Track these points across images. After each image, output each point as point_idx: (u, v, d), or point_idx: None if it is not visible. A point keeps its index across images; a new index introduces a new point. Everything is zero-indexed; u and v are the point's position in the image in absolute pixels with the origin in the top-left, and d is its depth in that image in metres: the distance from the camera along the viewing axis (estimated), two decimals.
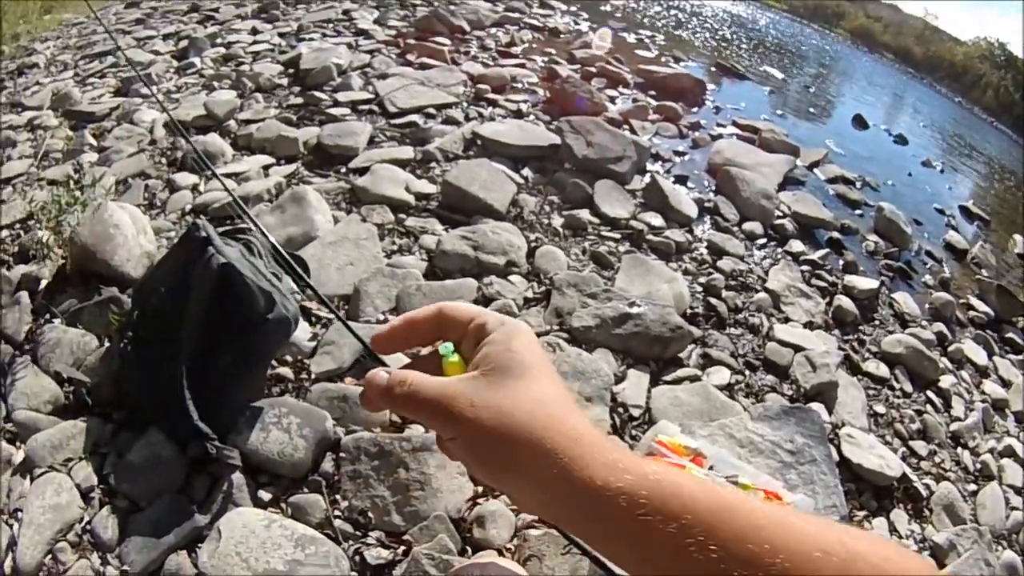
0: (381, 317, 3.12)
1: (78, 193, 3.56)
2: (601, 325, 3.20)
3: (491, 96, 5.86)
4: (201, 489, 2.36)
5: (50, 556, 2.13)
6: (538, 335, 3.12)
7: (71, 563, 2.13)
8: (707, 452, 2.46)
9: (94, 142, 4.88)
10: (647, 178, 4.80)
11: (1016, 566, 3.02)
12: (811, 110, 9.80)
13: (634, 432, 2.85)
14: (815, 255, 4.60)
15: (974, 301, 5.12)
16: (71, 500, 2.27)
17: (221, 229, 2.71)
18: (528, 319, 3.23)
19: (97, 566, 2.14)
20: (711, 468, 2.40)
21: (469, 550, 2.27)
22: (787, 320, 3.87)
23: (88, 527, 2.22)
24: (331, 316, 3.08)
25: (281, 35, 7.47)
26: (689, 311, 3.64)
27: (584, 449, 0.58)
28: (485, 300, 3.30)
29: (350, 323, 3.02)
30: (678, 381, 3.16)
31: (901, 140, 9.67)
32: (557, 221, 4.11)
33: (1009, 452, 3.66)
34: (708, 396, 3.04)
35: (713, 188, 5.21)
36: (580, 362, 2.95)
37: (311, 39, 7.18)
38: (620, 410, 2.91)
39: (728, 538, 0.51)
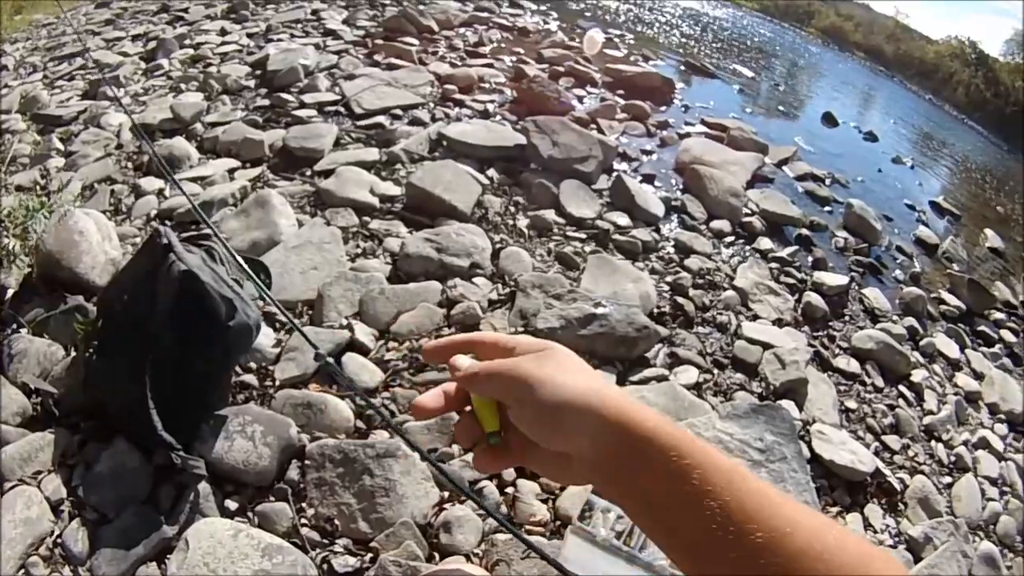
0: (344, 322, 3.09)
1: (44, 199, 3.51)
2: (566, 326, 3.18)
3: (458, 96, 5.83)
4: (167, 498, 2.34)
5: (23, 571, 2.10)
6: None
7: None
8: None
9: (61, 147, 4.82)
10: (613, 177, 4.77)
11: (994, 557, 3.03)
12: (781, 108, 9.82)
13: None
14: (784, 252, 4.60)
15: (945, 295, 5.14)
16: (41, 513, 2.23)
17: (184, 235, 2.68)
18: (493, 322, 3.22)
19: None
20: None
21: (436, 556, 2.26)
22: (756, 317, 3.87)
23: (59, 540, 2.20)
24: (294, 323, 3.06)
25: (250, 35, 7.41)
26: (656, 310, 3.63)
27: (638, 407, 0.68)
28: (449, 303, 3.28)
29: (312, 328, 3.00)
30: (645, 381, 3.14)
31: (871, 137, 9.68)
32: (522, 222, 4.09)
33: (983, 444, 3.69)
34: (675, 396, 3.03)
35: (681, 187, 5.21)
36: None
37: (279, 40, 7.14)
38: None
39: (731, 496, 0.59)
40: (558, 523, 2.44)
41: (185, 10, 8.55)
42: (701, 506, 0.59)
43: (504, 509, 2.46)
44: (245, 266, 1.91)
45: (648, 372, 3.20)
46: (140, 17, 8.55)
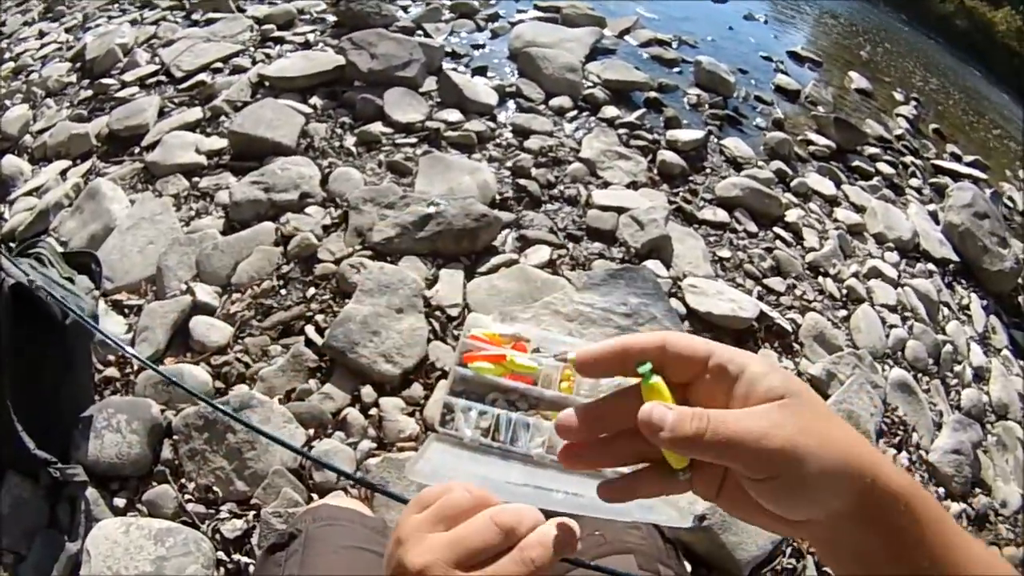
0: (184, 287, 2.89)
1: None
2: (403, 233, 3.02)
3: (277, 34, 5.44)
4: (66, 516, 2.24)
5: None
6: (340, 259, 2.96)
7: None
8: (528, 335, 2.38)
9: None
10: (440, 76, 4.55)
11: (907, 382, 3.04)
12: None
13: (456, 333, 2.70)
14: (631, 117, 4.40)
15: (813, 136, 5.05)
16: None
17: (14, 250, 2.54)
18: (329, 246, 3.03)
19: None
20: (536, 350, 2.33)
21: (315, 496, 2.19)
22: (606, 185, 3.72)
23: None
24: (140, 303, 2.89)
25: (68, 30, 6.80)
26: (498, 197, 3.46)
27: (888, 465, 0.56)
28: (284, 239, 3.08)
29: (158, 303, 2.84)
30: (494, 269, 3.02)
31: None
32: (349, 141, 3.84)
33: (875, 273, 3.69)
34: (527, 278, 2.93)
35: (516, 73, 4.96)
36: (384, 275, 2.77)
37: (97, 26, 6.60)
38: (437, 314, 2.77)
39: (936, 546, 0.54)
40: (428, 434, 2.38)
41: (2, 23, 7.94)
42: None
43: (372, 431, 2.38)
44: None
45: (496, 259, 3.07)
46: None
